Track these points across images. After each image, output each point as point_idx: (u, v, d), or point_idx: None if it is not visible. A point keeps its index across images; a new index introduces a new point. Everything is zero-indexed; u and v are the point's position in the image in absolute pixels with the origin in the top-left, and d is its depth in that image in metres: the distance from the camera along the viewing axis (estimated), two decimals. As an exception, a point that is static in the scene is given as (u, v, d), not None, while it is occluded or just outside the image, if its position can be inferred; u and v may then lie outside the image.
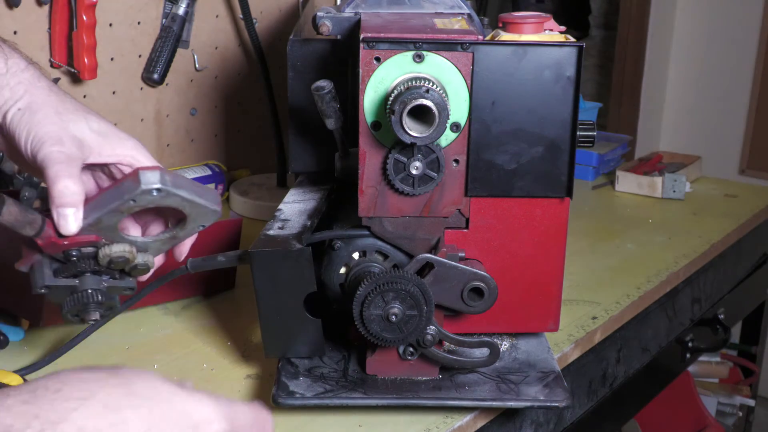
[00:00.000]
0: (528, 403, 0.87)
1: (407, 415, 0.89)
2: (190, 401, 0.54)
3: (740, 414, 2.02)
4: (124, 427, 0.50)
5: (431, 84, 0.78)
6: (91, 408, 0.49)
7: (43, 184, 1.28)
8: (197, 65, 1.48)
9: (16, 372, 0.89)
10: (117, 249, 0.74)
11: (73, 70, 1.27)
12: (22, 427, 0.47)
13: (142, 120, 1.44)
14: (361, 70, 0.81)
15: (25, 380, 0.86)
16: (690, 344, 1.44)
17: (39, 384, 0.50)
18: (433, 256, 0.84)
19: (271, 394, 0.85)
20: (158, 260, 0.81)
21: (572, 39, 0.85)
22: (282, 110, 1.50)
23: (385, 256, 0.87)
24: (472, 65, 0.81)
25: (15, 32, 1.22)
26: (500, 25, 0.88)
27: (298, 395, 0.86)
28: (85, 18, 1.24)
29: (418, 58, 0.80)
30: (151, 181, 0.72)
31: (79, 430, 0.48)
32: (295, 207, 0.94)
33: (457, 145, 0.84)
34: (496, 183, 0.85)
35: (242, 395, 0.92)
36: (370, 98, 0.82)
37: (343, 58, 0.96)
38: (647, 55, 2.95)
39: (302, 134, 1.01)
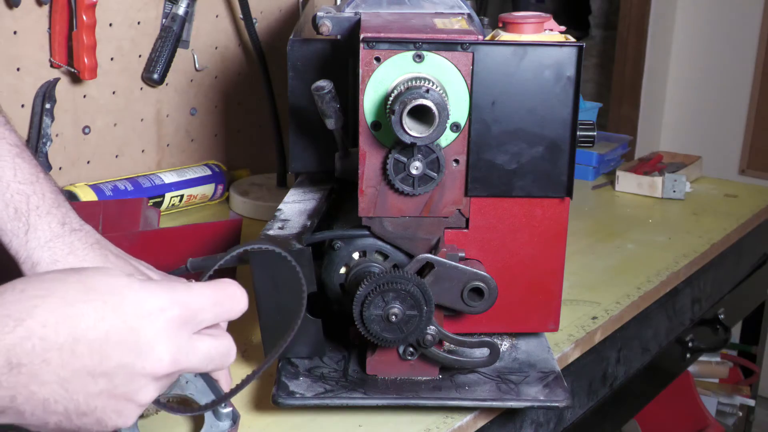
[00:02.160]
0: (528, 403, 0.87)
1: (407, 415, 0.89)
2: (142, 292, 0.58)
3: (740, 414, 2.02)
4: (79, 319, 0.55)
5: (431, 84, 0.78)
6: (51, 304, 0.55)
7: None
8: (197, 65, 1.48)
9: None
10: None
11: (73, 70, 1.27)
12: (12, 326, 0.53)
13: (142, 120, 1.44)
14: (361, 70, 0.81)
15: None
16: (690, 344, 1.44)
17: (6, 287, 0.56)
18: (433, 256, 0.84)
19: (271, 394, 0.85)
20: None
21: (572, 39, 0.85)
22: (282, 110, 1.50)
23: (385, 256, 0.87)
24: (472, 65, 0.81)
25: (15, 32, 1.22)
26: (500, 25, 0.88)
27: (298, 395, 0.86)
28: (85, 18, 1.24)
29: (418, 58, 0.80)
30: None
31: (42, 325, 0.54)
32: (295, 207, 0.94)
33: (457, 145, 0.84)
34: (496, 183, 0.85)
35: (242, 395, 0.92)
36: (370, 98, 0.82)
37: (343, 58, 0.96)
38: (647, 55, 2.95)
39: (302, 134, 1.01)
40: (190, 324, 0.60)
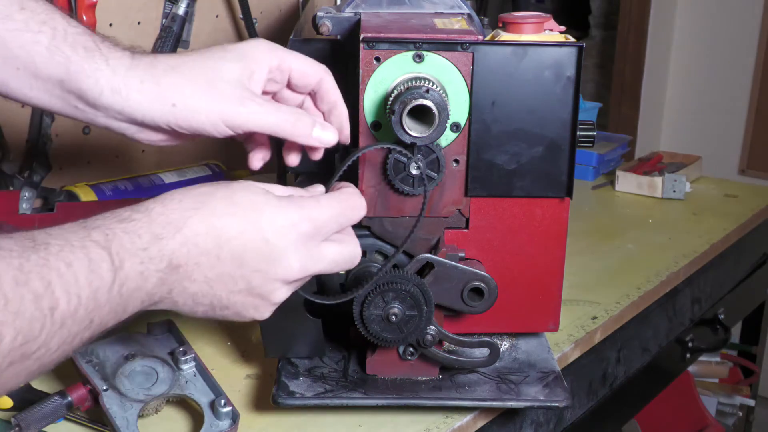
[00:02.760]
0: (528, 403, 0.87)
1: (407, 415, 0.89)
2: (278, 209, 0.67)
3: (740, 414, 2.02)
4: (224, 230, 0.65)
5: (431, 84, 0.78)
6: (202, 215, 0.64)
7: (43, 184, 1.28)
8: (197, 65, 1.48)
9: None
10: None
11: (73, 70, 1.27)
12: (172, 233, 0.63)
13: (142, 120, 1.44)
14: (361, 70, 0.81)
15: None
16: (690, 344, 1.44)
17: (166, 196, 0.65)
18: (433, 256, 0.84)
19: (271, 394, 0.85)
20: None
21: (572, 39, 0.85)
22: (282, 110, 1.49)
23: (385, 256, 0.87)
24: (472, 65, 0.81)
25: (15, 32, 1.22)
26: (500, 25, 0.88)
27: (298, 395, 0.86)
28: (85, 18, 1.24)
29: (418, 58, 0.80)
30: None
31: (195, 234, 0.63)
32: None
33: (457, 145, 0.84)
34: (496, 183, 0.85)
35: (242, 395, 0.92)
36: (370, 98, 0.82)
37: (343, 58, 0.96)
38: (647, 55, 2.95)
39: (302, 134, 1.01)
40: (317, 236, 0.69)
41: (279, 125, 0.74)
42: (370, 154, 0.83)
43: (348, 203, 0.72)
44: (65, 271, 0.56)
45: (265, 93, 0.77)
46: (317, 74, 0.77)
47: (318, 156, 0.80)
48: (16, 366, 0.53)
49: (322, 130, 0.76)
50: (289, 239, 0.67)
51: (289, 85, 0.79)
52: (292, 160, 0.81)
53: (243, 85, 0.73)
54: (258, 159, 0.81)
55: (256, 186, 0.69)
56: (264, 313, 0.70)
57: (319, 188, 0.76)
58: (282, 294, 0.69)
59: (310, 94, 0.80)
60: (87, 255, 0.58)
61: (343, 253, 0.71)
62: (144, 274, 0.61)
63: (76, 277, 0.56)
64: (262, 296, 0.68)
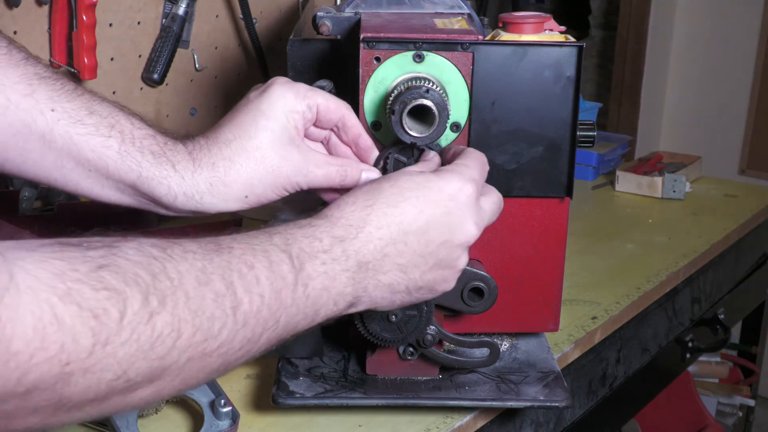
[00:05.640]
0: (528, 403, 0.87)
1: (407, 415, 0.89)
2: (440, 181, 0.71)
3: (740, 414, 2.02)
4: (403, 216, 0.69)
5: (431, 84, 0.78)
6: (379, 209, 0.68)
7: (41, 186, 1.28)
8: (197, 65, 1.48)
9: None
10: None
11: (73, 70, 1.27)
12: (355, 233, 0.67)
13: (142, 120, 1.44)
14: (361, 70, 0.81)
15: None
16: (690, 344, 1.44)
17: (341, 201, 0.69)
18: (433, 256, 0.84)
19: (271, 394, 0.85)
20: None
21: (572, 39, 0.85)
22: (282, 110, 1.49)
23: (385, 256, 0.87)
24: (472, 65, 0.81)
25: (15, 32, 1.22)
26: (500, 25, 0.88)
27: (298, 395, 0.86)
28: (85, 18, 1.24)
29: (418, 58, 0.80)
30: None
31: (377, 227, 0.67)
32: (295, 207, 0.94)
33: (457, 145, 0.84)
34: (495, 183, 0.85)
35: (242, 395, 0.92)
36: (370, 98, 0.82)
37: (343, 58, 0.96)
38: (647, 55, 2.95)
39: (302, 134, 1.01)
40: (477, 193, 0.73)
41: (332, 179, 0.78)
42: (370, 154, 0.83)
43: (480, 159, 0.76)
44: (247, 272, 0.59)
45: None
46: (340, 110, 0.79)
47: None
48: (195, 362, 0.55)
49: (367, 174, 0.79)
50: (462, 203, 0.71)
51: (315, 122, 0.80)
52: (331, 197, 0.82)
53: (295, 144, 0.76)
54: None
55: (412, 169, 0.74)
56: (451, 282, 0.74)
57: (432, 154, 0.80)
58: (465, 259, 0.73)
59: (332, 129, 0.81)
60: (267, 257, 0.61)
61: (494, 201, 0.76)
62: (329, 274, 0.64)
63: (257, 278, 0.59)
64: (450, 266, 0.72)
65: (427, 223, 0.69)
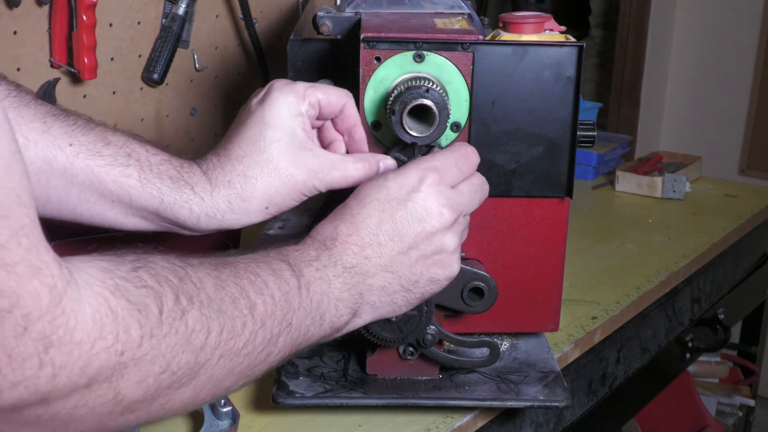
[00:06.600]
0: (528, 403, 0.87)
1: (407, 415, 0.89)
2: (398, 177, 0.73)
3: (740, 414, 2.02)
4: (368, 220, 0.71)
5: (431, 84, 0.78)
6: (345, 219, 0.71)
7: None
8: (197, 65, 1.48)
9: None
10: None
11: (73, 70, 1.27)
12: (332, 242, 0.70)
13: (141, 120, 1.44)
14: (361, 70, 0.81)
15: None
16: (690, 344, 1.44)
17: (326, 221, 0.73)
18: (433, 256, 0.84)
19: (270, 394, 0.85)
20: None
21: (572, 39, 0.85)
22: (282, 110, 1.49)
23: (385, 256, 0.87)
24: (473, 65, 0.81)
25: (15, 32, 1.22)
26: (500, 25, 0.88)
27: (297, 395, 0.86)
28: (85, 18, 1.24)
29: (419, 58, 0.80)
30: None
31: (347, 234, 0.70)
32: (295, 206, 0.94)
33: (457, 145, 0.84)
34: (495, 183, 0.85)
35: (242, 395, 0.92)
36: (370, 98, 0.82)
37: (343, 58, 0.96)
38: (647, 55, 2.95)
39: (302, 134, 1.01)
40: (443, 180, 0.74)
41: (351, 177, 0.78)
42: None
43: (459, 152, 0.76)
44: (254, 278, 0.63)
45: None
46: (341, 101, 0.79)
47: None
48: (226, 360, 0.58)
49: (384, 163, 0.80)
50: (424, 192, 0.72)
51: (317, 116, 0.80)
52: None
53: (307, 149, 0.77)
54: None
55: (375, 178, 0.75)
56: (452, 264, 0.75)
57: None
58: (450, 238, 0.74)
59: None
60: (270, 266, 0.65)
61: (473, 182, 0.77)
62: (324, 279, 0.68)
63: (265, 283, 0.63)
64: (437, 252, 0.73)
65: (393, 219, 0.71)
